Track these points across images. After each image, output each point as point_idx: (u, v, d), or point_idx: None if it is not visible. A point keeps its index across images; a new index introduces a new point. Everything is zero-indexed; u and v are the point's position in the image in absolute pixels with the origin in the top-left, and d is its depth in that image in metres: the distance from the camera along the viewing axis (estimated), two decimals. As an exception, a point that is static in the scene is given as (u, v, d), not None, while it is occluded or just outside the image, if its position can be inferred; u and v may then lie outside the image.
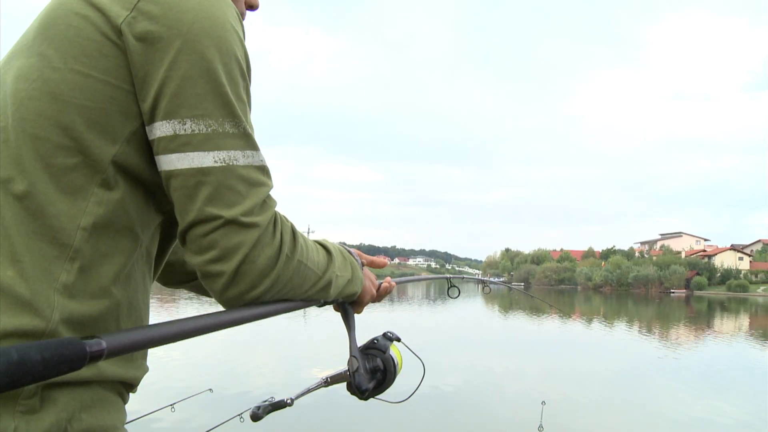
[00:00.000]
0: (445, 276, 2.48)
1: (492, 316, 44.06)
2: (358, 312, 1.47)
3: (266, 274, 1.02)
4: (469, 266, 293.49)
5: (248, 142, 1.02)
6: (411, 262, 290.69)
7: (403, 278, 2.00)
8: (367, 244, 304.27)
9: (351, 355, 1.38)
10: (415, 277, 2.22)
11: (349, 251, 1.33)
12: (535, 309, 51.71)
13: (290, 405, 1.39)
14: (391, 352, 1.48)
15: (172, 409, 4.17)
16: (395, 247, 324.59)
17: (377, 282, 1.50)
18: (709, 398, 14.18)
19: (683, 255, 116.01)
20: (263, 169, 1.04)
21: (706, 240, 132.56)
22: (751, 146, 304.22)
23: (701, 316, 49.06)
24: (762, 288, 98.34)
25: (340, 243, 1.32)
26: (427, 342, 23.97)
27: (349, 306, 1.43)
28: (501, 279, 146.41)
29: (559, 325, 36.15)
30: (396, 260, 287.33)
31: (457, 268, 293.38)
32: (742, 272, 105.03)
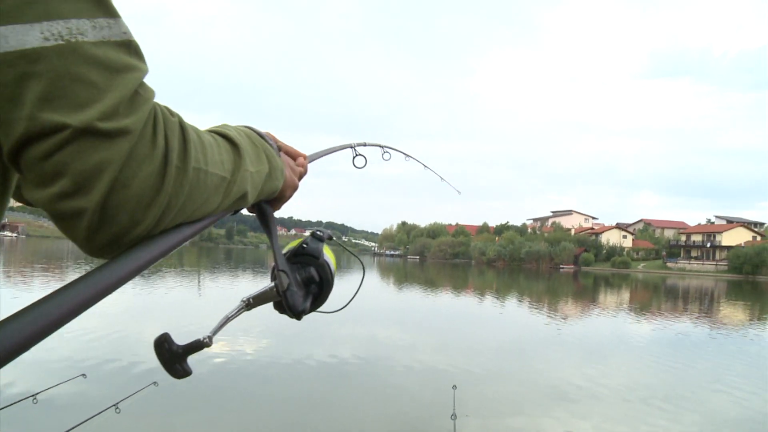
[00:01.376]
0: (348, 144, 2.16)
1: (388, 289, 44.18)
2: (277, 209, 1.21)
3: (151, 201, 0.72)
4: (366, 239, 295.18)
5: (99, 4, 0.68)
6: (307, 232, 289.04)
7: (314, 154, 1.73)
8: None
9: (278, 269, 1.12)
10: (325, 150, 1.95)
11: (258, 133, 1.05)
12: (430, 282, 52.31)
13: (209, 345, 1.02)
14: (325, 256, 1.24)
15: (35, 401, 3.66)
16: (292, 218, 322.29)
17: (298, 168, 1.24)
18: (591, 368, 14.70)
19: (573, 232, 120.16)
20: (128, 46, 0.71)
21: (594, 218, 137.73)
22: (636, 131, 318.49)
23: (587, 291, 50.89)
24: (642, 264, 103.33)
25: (244, 126, 1.05)
26: (318, 316, 23.56)
27: (266, 205, 1.16)
28: (397, 252, 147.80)
29: (453, 299, 36.57)
30: (293, 231, 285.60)
31: (353, 241, 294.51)
32: (626, 249, 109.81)
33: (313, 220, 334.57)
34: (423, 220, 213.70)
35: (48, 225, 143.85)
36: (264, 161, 1.00)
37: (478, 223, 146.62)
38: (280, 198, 1.16)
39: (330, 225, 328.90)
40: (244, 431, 8.51)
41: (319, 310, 1.26)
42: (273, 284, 1.13)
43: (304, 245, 1.23)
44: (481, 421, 9.78)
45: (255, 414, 9.34)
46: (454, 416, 3.76)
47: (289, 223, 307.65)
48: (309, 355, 13.89)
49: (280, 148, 1.15)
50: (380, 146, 2.69)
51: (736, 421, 10.34)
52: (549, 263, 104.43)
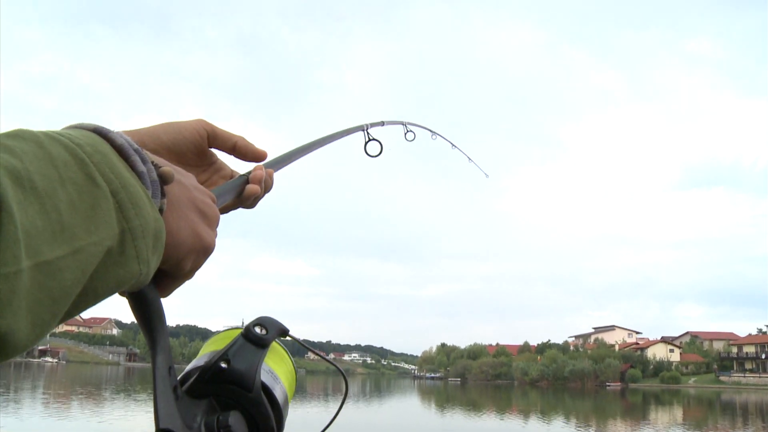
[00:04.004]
0: (360, 126, 1.64)
1: (429, 413, 42.94)
2: (169, 292, 0.67)
3: None
4: (405, 361, 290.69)
5: None
6: (346, 357, 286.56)
7: (318, 140, 1.34)
8: (302, 338, 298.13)
9: (158, 429, 0.58)
10: (331, 134, 1.43)
11: (113, 145, 0.55)
12: (473, 404, 50.72)
13: None
14: (265, 379, 0.72)
15: None
16: (330, 342, 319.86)
17: (215, 209, 0.69)
18: None
19: (617, 348, 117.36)
20: None
21: (637, 333, 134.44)
22: (674, 242, 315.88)
23: (637, 409, 49.01)
24: (693, 379, 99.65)
25: (71, 128, 0.55)
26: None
27: (149, 288, 0.62)
28: (437, 374, 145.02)
29: (498, 421, 35.23)
30: (331, 355, 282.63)
31: (393, 364, 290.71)
32: (674, 364, 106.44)
33: (352, 343, 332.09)
34: (462, 342, 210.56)
35: (87, 351, 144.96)
36: (106, 219, 0.49)
37: (519, 342, 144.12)
38: (173, 273, 0.64)
39: (369, 348, 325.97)
40: None
41: None
42: None
43: (224, 363, 0.69)
44: None
45: None
46: None
47: (328, 347, 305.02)
48: None
49: (166, 176, 0.59)
50: (402, 123, 2.20)
51: None
52: (594, 381, 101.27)
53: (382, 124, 1.83)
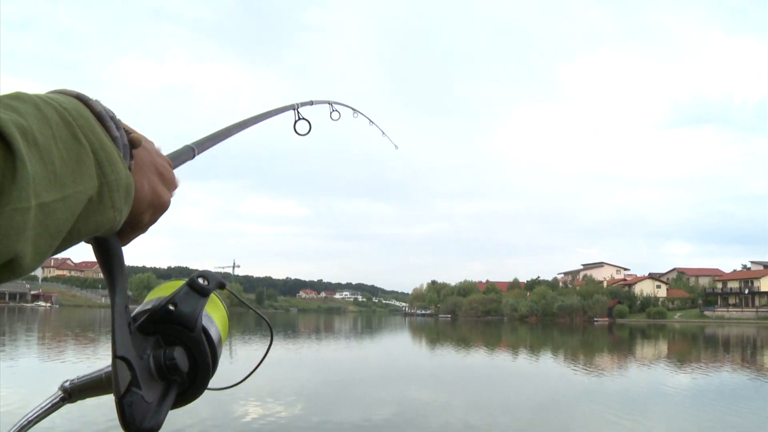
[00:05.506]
0: (291, 105, 1.80)
1: (420, 349, 43.75)
2: (129, 240, 0.76)
3: None
4: (396, 299, 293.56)
5: None
6: (338, 295, 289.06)
7: (249, 119, 1.47)
8: (293, 278, 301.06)
9: (114, 356, 0.71)
10: (263, 113, 1.60)
11: (94, 112, 0.64)
12: (463, 340, 51.72)
13: None
14: (206, 323, 0.84)
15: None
16: (322, 281, 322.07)
17: (170, 173, 0.79)
18: (630, 422, 14.44)
19: (605, 284, 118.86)
20: None
21: (625, 269, 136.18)
22: (663, 181, 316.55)
23: (624, 344, 49.96)
24: (678, 314, 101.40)
25: (56, 92, 0.64)
26: (354, 377, 23.35)
27: (113, 237, 0.73)
28: (428, 311, 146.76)
29: (487, 357, 36.06)
30: (323, 294, 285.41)
31: (384, 301, 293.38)
32: (660, 300, 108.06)
33: (343, 282, 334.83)
34: (453, 279, 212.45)
35: (80, 294, 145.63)
36: (89, 173, 0.59)
37: (509, 279, 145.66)
38: (133, 225, 0.74)
39: (360, 286, 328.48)
40: None
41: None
42: (103, 372, 0.84)
43: (171, 306, 0.80)
44: None
45: None
46: None
47: (319, 286, 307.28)
48: (344, 418, 13.74)
49: (134, 141, 0.70)
50: (329, 103, 2.55)
51: None
52: (582, 317, 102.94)
53: (311, 103, 2.06)
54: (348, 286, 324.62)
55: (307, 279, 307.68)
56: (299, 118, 1.84)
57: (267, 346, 1.11)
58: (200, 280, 0.83)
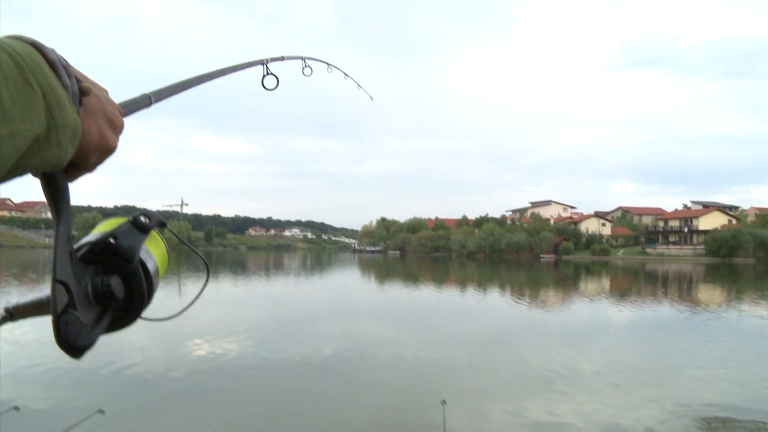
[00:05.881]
0: (260, 60, 1.79)
1: (370, 285, 43.96)
2: (75, 178, 0.81)
3: None
4: (346, 236, 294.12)
5: None
6: (287, 233, 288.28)
7: (216, 71, 1.45)
8: (243, 216, 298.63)
9: (54, 279, 0.76)
10: (230, 67, 1.58)
11: (46, 57, 0.68)
12: (412, 276, 52.17)
13: None
14: (144, 256, 0.90)
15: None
16: (271, 218, 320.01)
17: (118, 119, 0.83)
18: (574, 354, 14.81)
19: (552, 222, 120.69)
20: None
21: (572, 207, 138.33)
22: (610, 121, 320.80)
23: (568, 279, 51.00)
24: (621, 251, 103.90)
25: (10, 37, 0.67)
26: (304, 313, 23.38)
27: (59, 173, 0.78)
28: (377, 248, 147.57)
29: (435, 292, 36.41)
30: (272, 231, 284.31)
31: (333, 238, 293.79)
32: (605, 237, 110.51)
33: (293, 219, 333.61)
34: (402, 216, 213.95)
35: (22, 235, 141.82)
36: (37, 114, 0.64)
37: (458, 216, 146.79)
38: (80, 165, 0.78)
39: (310, 224, 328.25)
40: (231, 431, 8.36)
41: (143, 316, 0.94)
42: (44, 296, 0.86)
43: (112, 239, 0.85)
44: (467, 409, 9.65)
45: (240, 413, 9.10)
46: (444, 402, 3.60)
47: (269, 223, 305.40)
48: (295, 353, 13.72)
49: (85, 90, 0.74)
50: (301, 58, 2.48)
51: (713, 400, 10.37)
52: (529, 253, 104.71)
53: (282, 59, 2.01)
54: (298, 224, 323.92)
55: (256, 217, 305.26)
56: (267, 74, 1.82)
57: (202, 285, 1.14)
58: (142, 218, 0.89)
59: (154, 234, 0.95)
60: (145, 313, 0.93)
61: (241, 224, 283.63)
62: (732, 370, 13.16)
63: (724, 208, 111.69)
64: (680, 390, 11.22)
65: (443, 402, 3.70)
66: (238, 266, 61.59)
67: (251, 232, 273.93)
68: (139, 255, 0.87)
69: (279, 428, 8.54)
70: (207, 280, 1.18)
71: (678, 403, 9.99)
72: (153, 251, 0.94)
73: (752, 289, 39.90)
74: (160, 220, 0.92)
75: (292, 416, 9.11)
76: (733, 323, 22.54)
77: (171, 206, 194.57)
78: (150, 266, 0.91)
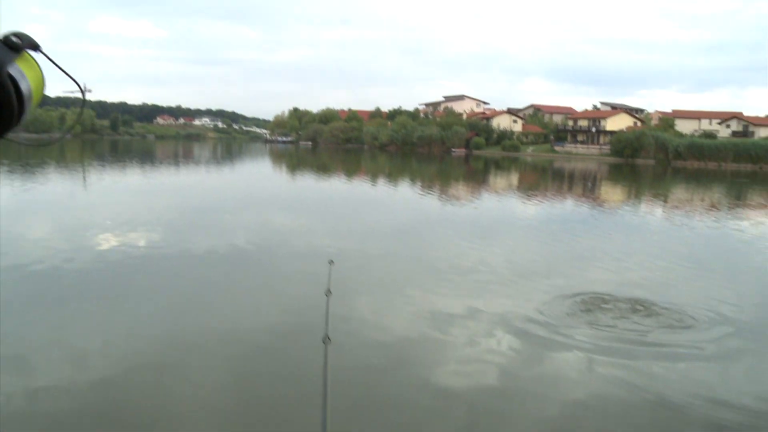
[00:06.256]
0: None
1: (281, 176, 43.23)
2: None
3: None
4: (257, 126, 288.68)
5: None
6: (197, 122, 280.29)
7: None
8: (150, 103, 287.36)
9: None
10: None
11: None
12: (324, 167, 51.57)
13: None
14: (15, 74, 0.92)
15: None
16: (180, 106, 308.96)
17: None
18: (480, 246, 15.04)
19: (464, 117, 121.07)
20: None
21: (485, 103, 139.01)
22: (526, 19, 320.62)
23: (478, 174, 51.63)
24: (531, 148, 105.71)
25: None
26: (215, 204, 22.54)
27: None
28: (289, 138, 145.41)
29: (346, 184, 36.08)
30: (181, 120, 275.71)
31: (245, 128, 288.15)
32: (516, 134, 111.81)
33: (203, 108, 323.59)
34: (315, 107, 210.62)
35: None
36: None
37: (371, 108, 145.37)
38: None
39: (220, 113, 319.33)
40: (141, 324, 7.98)
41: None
42: None
43: None
44: (372, 297, 9.59)
45: (148, 305, 8.88)
46: (331, 262, 3.47)
47: (178, 112, 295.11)
48: (206, 243, 13.36)
49: None
50: None
51: (599, 288, 10.83)
52: (441, 147, 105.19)
53: None
54: (208, 113, 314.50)
55: (165, 105, 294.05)
56: None
57: (80, 109, 1.23)
58: (13, 38, 0.91)
59: (30, 60, 0.96)
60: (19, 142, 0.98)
61: (148, 112, 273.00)
62: (623, 261, 13.88)
63: (630, 111, 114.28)
64: (573, 279, 11.72)
65: (330, 262, 3.31)
66: (146, 156, 59.38)
67: (159, 120, 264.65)
68: (9, 70, 0.89)
69: (187, 319, 8.37)
70: (83, 104, 1.38)
71: (569, 289, 10.38)
72: (28, 74, 0.95)
73: (650, 189, 41.26)
74: (32, 42, 0.94)
75: (202, 306, 8.99)
76: (629, 220, 23.21)
77: (72, 92, 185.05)
78: (23, 86, 0.92)
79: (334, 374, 1.75)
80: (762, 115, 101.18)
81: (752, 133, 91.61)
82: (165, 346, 7.25)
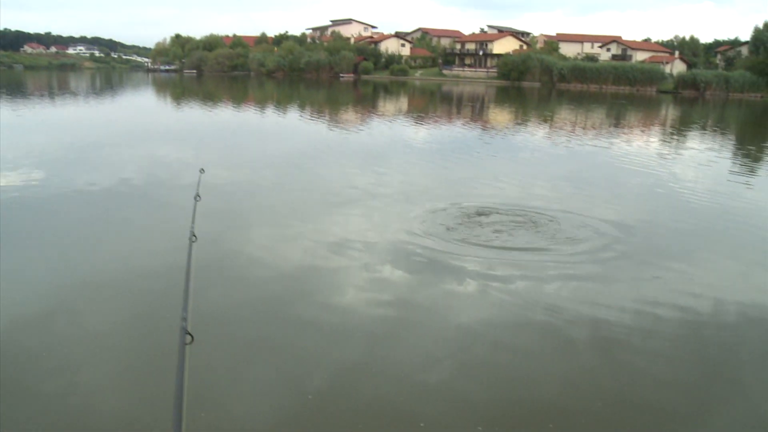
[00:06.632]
0: None
1: (165, 106, 41.72)
2: None
3: None
4: (138, 54, 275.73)
5: None
6: (71, 50, 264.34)
7: None
8: (14, 29, 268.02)
9: None
10: None
11: None
12: (209, 96, 49.95)
13: None
14: None
15: None
16: (51, 33, 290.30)
17: None
18: (370, 172, 15.26)
19: (352, 41, 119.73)
20: None
21: (373, 27, 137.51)
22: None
23: (367, 99, 51.40)
24: (419, 72, 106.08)
25: None
26: (97, 139, 21.40)
27: None
28: (172, 66, 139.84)
29: (233, 113, 35.12)
30: (53, 49, 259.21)
31: (124, 57, 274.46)
32: (404, 58, 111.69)
33: (76, 35, 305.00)
34: (198, 33, 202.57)
35: None
36: None
37: (257, 34, 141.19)
38: None
39: (97, 41, 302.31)
40: (24, 269, 7.55)
41: None
42: None
43: None
44: (263, 230, 9.36)
45: (30, 247, 8.44)
46: (202, 170, 3.54)
47: (48, 39, 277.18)
48: (90, 181, 12.81)
49: None
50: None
51: (501, 201, 11.43)
52: (329, 72, 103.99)
53: None
54: (83, 40, 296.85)
55: (32, 31, 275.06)
56: None
57: None
58: None
59: None
60: None
61: (13, 39, 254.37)
62: (506, 178, 14.54)
63: (517, 34, 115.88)
64: (458, 195, 12.17)
65: (201, 170, 3.21)
66: (16, 88, 55.44)
67: (27, 49, 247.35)
68: None
69: (74, 257, 8.12)
70: None
71: (457, 210, 10.73)
72: None
73: (535, 111, 42.36)
74: None
75: (90, 242, 8.79)
76: (519, 139, 23.77)
77: None
78: None
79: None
80: (639, 39, 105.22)
81: (630, 57, 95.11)
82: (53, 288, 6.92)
